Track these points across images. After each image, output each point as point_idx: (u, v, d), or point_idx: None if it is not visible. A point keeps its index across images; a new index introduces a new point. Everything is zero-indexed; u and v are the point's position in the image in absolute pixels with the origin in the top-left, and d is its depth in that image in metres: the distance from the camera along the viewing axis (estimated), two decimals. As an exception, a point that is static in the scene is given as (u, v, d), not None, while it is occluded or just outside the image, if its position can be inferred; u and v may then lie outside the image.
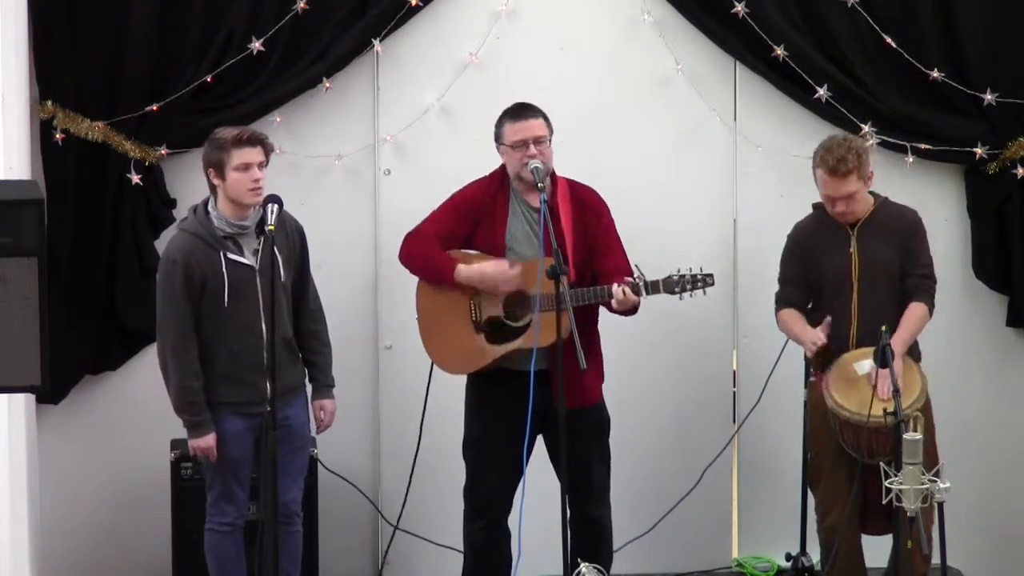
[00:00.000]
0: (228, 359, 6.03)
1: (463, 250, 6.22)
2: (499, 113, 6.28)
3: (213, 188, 6.07)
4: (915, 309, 6.25)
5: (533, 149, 6.10)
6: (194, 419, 6.03)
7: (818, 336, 6.18)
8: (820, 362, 6.25)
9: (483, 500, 6.29)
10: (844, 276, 6.29)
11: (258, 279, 6.03)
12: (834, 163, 6.19)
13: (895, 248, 6.29)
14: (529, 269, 6.10)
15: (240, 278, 6.03)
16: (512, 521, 6.29)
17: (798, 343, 6.39)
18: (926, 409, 6.24)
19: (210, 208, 6.07)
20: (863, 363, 6.15)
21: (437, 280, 6.20)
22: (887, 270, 6.28)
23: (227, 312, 6.01)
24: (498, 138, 6.22)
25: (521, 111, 6.20)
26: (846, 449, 6.21)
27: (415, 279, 6.30)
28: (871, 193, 6.36)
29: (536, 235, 6.11)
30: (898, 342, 6.11)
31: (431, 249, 6.21)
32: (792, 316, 6.38)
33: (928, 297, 6.29)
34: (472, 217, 6.22)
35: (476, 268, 6.15)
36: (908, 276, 6.30)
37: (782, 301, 6.43)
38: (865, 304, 6.27)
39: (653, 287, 6.05)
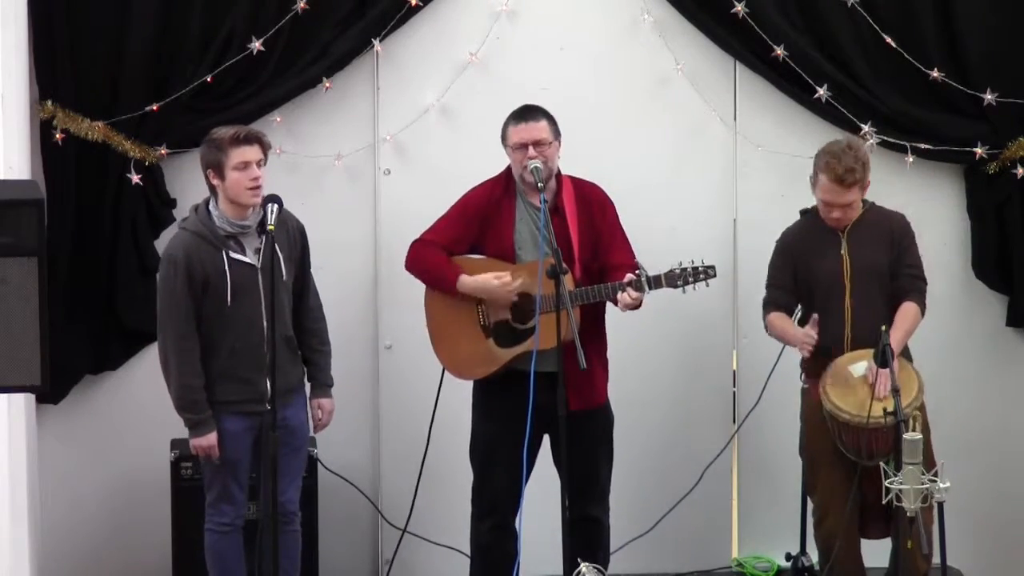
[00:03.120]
0: (229, 358, 6.03)
1: (469, 256, 6.21)
2: (499, 113, 6.28)
3: (213, 189, 6.07)
4: (908, 308, 6.27)
5: (532, 151, 6.10)
6: (195, 418, 6.03)
7: (809, 335, 6.18)
8: (815, 364, 6.24)
9: (492, 501, 6.28)
10: (836, 278, 6.30)
11: (260, 278, 6.03)
12: (842, 172, 6.18)
13: (885, 249, 6.31)
14: (533, 270, 6.10)
15: (242, 277, 6.03)
16: (513, 521, 6.31)
17: (789, 344, 6.40)
18: (921, 410, 6.25)
19: (211, 208, 6.07)
20: (858, 365, 6.16)
21: (440, 290, 6.21)
22: (878, 271, 6.30)
23: (229, 311, 6.01)
24: (503, 139, 6.22)
25: (524, 114, 6.19)
26: (845, 453, 6.21)
27: (419, 282, 6.30)
28: None
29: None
30: (894, 341, 6.11)
31: (436, 258, 6.19)
32: (780, 318, 6.41)
33: (919, 297, 6.32)
34: (479, 221, 6.21)
35: (480, 281, 6.15)
36: (899, 276, 6.31)
37: (770, 304, 6.46)
38: (859, 305, 6.27)
39: (655, 282, 6.05)
